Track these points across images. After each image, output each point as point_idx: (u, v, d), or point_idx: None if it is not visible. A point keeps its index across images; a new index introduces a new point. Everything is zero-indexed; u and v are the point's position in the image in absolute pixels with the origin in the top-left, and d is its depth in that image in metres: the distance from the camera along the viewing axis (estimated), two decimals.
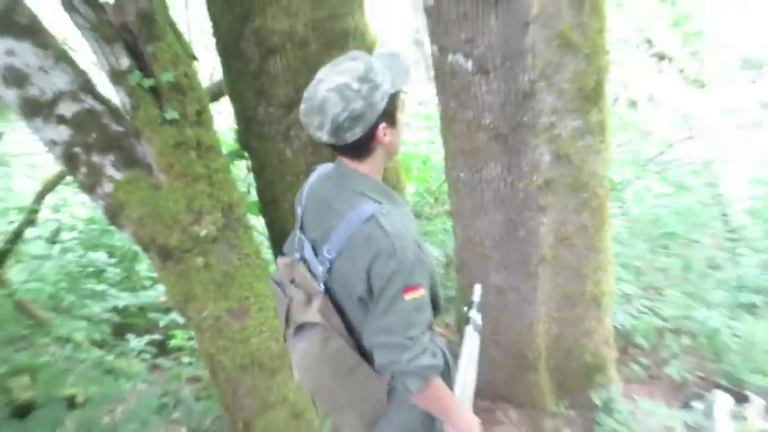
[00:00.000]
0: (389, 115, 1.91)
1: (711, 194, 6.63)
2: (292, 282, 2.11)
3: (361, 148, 1.93)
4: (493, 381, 3.98)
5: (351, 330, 2.02)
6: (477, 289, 2.53)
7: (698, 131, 6.91)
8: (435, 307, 2.12)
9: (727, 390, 4.40)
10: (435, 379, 1.93)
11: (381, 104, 1.84)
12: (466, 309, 2.46)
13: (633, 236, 6.30)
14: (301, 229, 2.13)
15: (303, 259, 2.08)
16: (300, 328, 2.06)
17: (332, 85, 1.79)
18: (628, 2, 5.87)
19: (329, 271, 1.95)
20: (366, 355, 2.00)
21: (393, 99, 1.91)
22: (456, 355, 2.32)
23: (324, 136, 1.85)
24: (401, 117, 2.02)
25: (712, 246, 6.47)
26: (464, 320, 2.43)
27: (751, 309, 5.43)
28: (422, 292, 1.86)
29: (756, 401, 4.35)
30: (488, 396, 4.02)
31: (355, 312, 1.98)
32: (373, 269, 1.81)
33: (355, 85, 1.78)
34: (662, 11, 5.85)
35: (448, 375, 2.19)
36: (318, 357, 2.00)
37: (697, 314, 5.01)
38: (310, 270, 2.04)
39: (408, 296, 1.81)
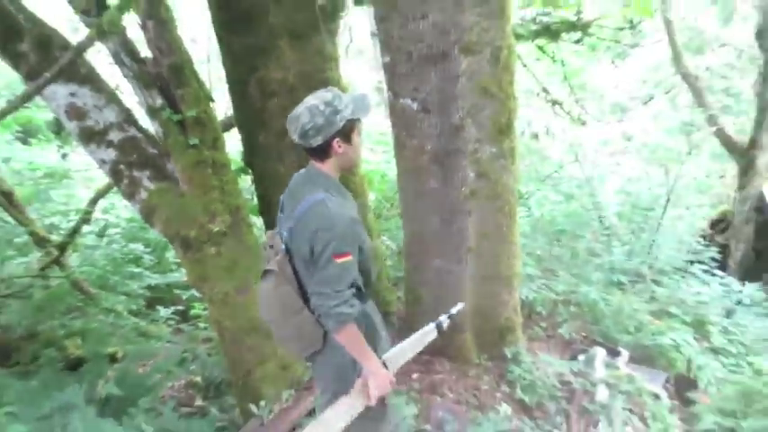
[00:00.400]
0: (345, 134, 2.03)
1: (591, 202, 6.74)
2: (271, 246, 2.19)
3: (322, 153, 2.05)
4: (432, 340, 3.99)
5: (300, 283, 2.11)
6: (459, 306, 2.58)
7: (581, 156, 7.04)
8: (368, 279, 2.21)
9: (603, 345, 4.46)
10: (350, 324, 2.01)
11: (339, 124, 1.98)
12: (443, 315, 2.49)
13: (535, 232, 6.35)
14: (281, 210, 2.21)
15: (280, 232, 2.17)
16: (265, 273, 2.17)
17: (307, 105, 1.96)
18: (530, 62, 5.96)
19: (290, 235, 2.05)
20: (310, 304, 2.09)
21: (351, 123, 2.03)
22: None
23: (296, 138, 2.00)
24: (357, 138, 2.11)
25: (592, 239, 6.57)
26: (434, 319, 2.46)
27: (620, 286, 5.53)
28: (349, 259, 1.96)
29: (624, 354, 4.42)
30: (428, 352, 4.01)
31: (302, 269, 2.07)
32: (316, 236, 1.92)
33: (321, 107, 1.95)
34: (555, 69, 5.96)
35: (371, 333, 2.26)
36: (272, 296, 2.12)
37: (581, 289, 5.06)
38: (281, 237, 2.13)
39: (338, 260, 1.93)
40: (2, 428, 2.50)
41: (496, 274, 3.74)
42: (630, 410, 3.78)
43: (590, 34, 4.98)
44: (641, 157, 8.12)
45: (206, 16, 3.70)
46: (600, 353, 4.23)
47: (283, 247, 2.10)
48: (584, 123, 5.66)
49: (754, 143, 7.08)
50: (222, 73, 3.82)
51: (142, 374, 4.04)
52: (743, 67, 10.57)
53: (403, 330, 4.09)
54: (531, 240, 6.06)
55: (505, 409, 3.58)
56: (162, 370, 4.02)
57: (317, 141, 1.99)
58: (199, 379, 4.41)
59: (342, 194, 2.13)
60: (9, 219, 5.25)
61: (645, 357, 4.64)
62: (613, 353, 4.40)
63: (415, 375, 3.83)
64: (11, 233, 5.28)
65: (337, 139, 2.01)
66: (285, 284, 2.09)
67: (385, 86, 3.46)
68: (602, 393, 3.87)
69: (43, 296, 4.69)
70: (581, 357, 4.29)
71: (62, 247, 5.03)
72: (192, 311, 5.43)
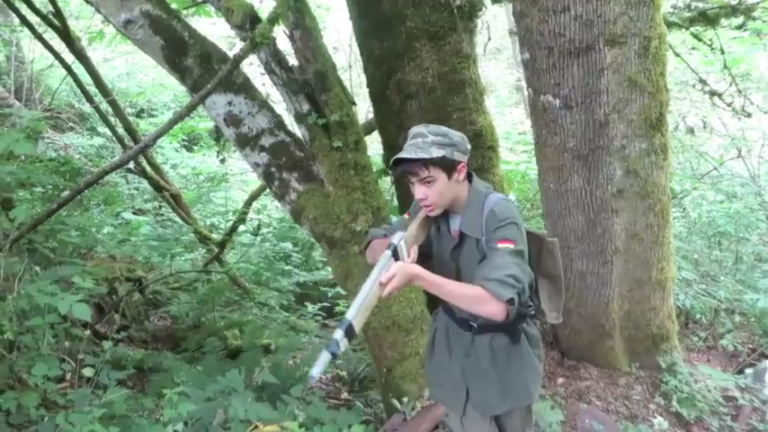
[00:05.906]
0: None
1: (758, 202, 6.13)
2: None
3: None
4: (576, 345, 3.83)
5: None
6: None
7: (745, 152, 6.40)
8: None
9: None
10: None
11: None
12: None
13: (691, 234, 5.93)
14: None
15: None
16: None
17: None
18: (684, 52, 5.51)
19: None
20: None
21: None
22: None
23: None
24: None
25: (759, 243, 5.99)
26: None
27: None
28: None
29: None
30: (574, 357, 3.87)
31: None
32: None
33: None
34: (713, 58, 5.46)
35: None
36: None
37: (747, 297, 4.62)
38: None
39: None
40: (175, 406, 2.75)
41: (647, 277, 3.51)
42: None
43: (754, 18, 4.51)
44: None
45: (347, 25, 3.83)
46: None
47: None
48: (749, 115, 5.11)
49: None
50: (363, 78, 3.93)
51: (292, 366, 4.24)
52: None
53: (546, 335, 3.97)
54: (686, 243, 5.65)
55: (660, 421, 3.34)
56: (311, 362, 4.19)
57: None
58: (345, 373, 4.57)
59: None
60: (177, 219, 5.80)
61: None
62: None
63: (560, 380, 3.71)
64: (178, 232, 5.84)
65: None
66: None
67: (524, 84, 3.37)
68: None
69: (206, 290, 5.13)
70: (748, 371, 3.92)
71: (221, 245, 5.46)
72: (338, 308, 5.65)
